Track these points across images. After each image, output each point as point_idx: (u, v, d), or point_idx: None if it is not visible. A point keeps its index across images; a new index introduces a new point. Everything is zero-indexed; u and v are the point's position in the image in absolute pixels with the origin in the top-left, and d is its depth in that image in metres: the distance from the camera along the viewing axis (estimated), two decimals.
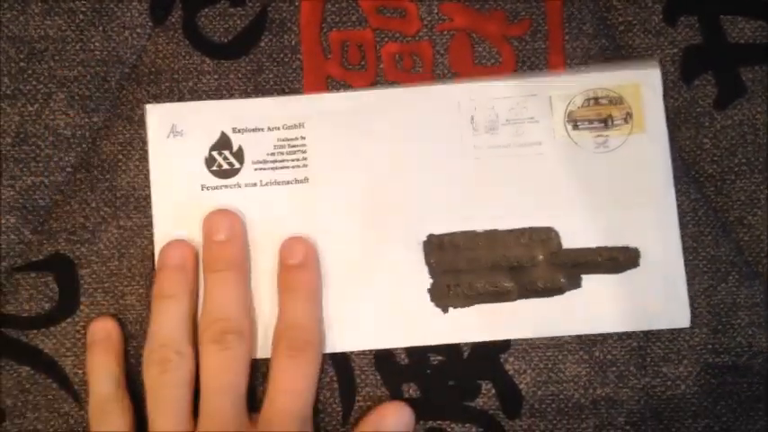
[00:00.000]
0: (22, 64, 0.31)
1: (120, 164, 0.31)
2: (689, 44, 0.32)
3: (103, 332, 0.29)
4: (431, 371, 0.30)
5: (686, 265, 0.31)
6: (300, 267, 0.29)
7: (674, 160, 0.31)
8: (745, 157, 0.31)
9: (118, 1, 0.32)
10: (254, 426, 0.28)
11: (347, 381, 0.30)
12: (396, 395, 0.30)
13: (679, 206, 0.31)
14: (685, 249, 0.31)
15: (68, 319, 0.30)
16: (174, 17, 0.32)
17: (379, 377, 0.30)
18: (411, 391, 0.30)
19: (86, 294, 0.30)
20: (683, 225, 0.31)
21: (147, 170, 0.31)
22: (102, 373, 0.29)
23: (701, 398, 0.30)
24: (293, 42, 0.32)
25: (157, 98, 0.31)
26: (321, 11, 0.32)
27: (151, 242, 0.30)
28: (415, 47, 0.32)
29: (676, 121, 0.31)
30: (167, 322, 0.28)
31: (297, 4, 0.32)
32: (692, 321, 0.30)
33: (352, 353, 0.30)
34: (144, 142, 0.31)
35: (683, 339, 0.30)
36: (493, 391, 0.30)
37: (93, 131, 0.31)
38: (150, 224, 0.31)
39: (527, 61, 0.32)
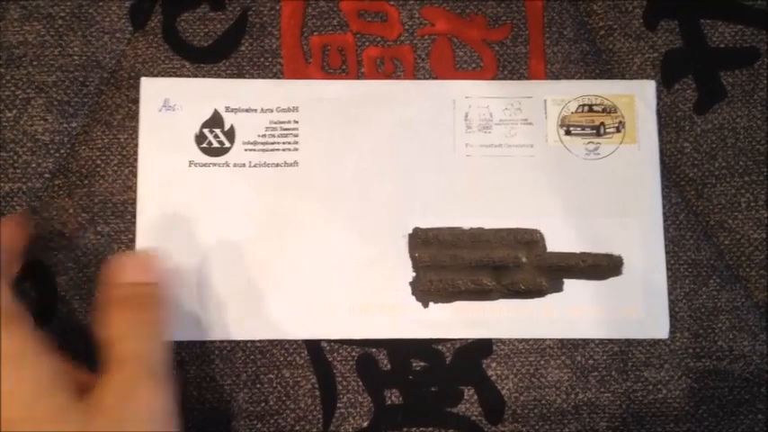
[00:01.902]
0: (0, 70, 0.31)
1: (98, 169, 0.31)
2: (669, 48, 0.32)
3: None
4: (413, 377, 0.30)
5: (667, 269, 0.31)
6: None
7: None
8: (726, 160, 0.31)
9: (97, 6, 0.32)
10: None
11: (328, 387, 0.30)
12: (378, 401, 0.30)
13: None
14: (666, 253, 0.31)
15: (45, 327, 0.30)
16: (154, 21, 0.32)
17: (360, 383, 0.30)
18: (393, 398, 0.30)
19: (63, 302, 0.30)
20: (664, 229, 0.31)
21: (126, 175, 0.31)
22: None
23: (682, 402, 0.30)
24: (274, 46, 0.32)
25: (137, 103, 0.31)
26: (302, 15, 0.32)
27: (129, 248, 0.30)
28: (396, 51, 0.32)
29: (657, 125, 0.31)
30: None
31: (277, 7, 0.32)
32: (672, 326, 0.30)
33: (333, 358, 0.30)
34: (123, 147, 0.31)
35: (665, 344, 0.30)
36: (475, 396, 0.30)
37: (71, 137, 0.31)
38: (128, 230, 0.30)
39: (508, 65, 0.32)
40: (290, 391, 0.30)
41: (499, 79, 0.32)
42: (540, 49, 0.32)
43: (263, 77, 0.31)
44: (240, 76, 0.31)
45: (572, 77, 0.32)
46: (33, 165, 0.31)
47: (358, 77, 0.32)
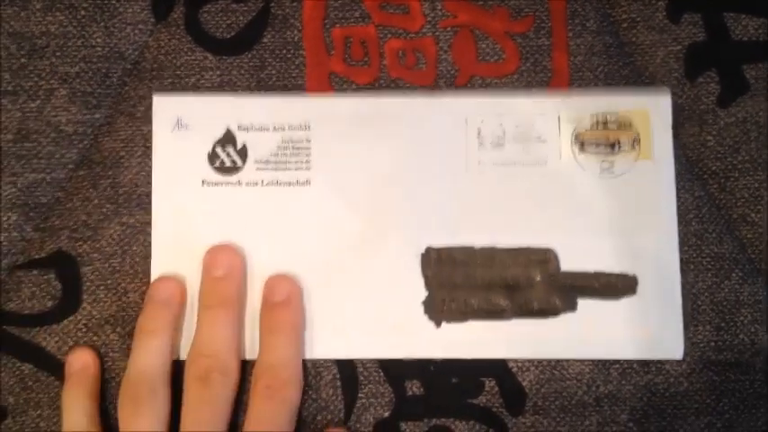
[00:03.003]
0: (23, 60, 0.31)
1: (122, 160, 0.31)
2: (692, 41, 0.32)
3: (80, 364, 0.29)
4: (434, 368, 0.30)
5: (690, 262, 0.31)
6: (283, 306, 0.29)
7: (677, 158, 0.31)
8: (749, 154, 0.31)
9: None
10: None
11: (350, 378, 0.30)
12: (399, 392, 0.30)
13: (683, 203, 0.31)
14: (689, 246, 0.31)
15: (71, 317, 0.30)
16: (177, 13, 0.32)
17: (382, 374, 0.30)
18: (414, 389, 0.30)
19: (89, 292, 0.30)
20: (686, 222, 0.31)
21: (150, 166, 0.31)
22: (75, 408, 0.28)
23: (703, 395, 0.30)
24: (296, 38, 0.32)
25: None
26: (324, 7, 0.32)
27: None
28: (418, 43, 0.32)
29: (680, 118, 0.31)
30: (144, 358, 0.28)
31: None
32: (695, 319, 0.30)
33: None
34: (146, 138, 0.31)
35: (686, 337, 0.30)
36: (496, 388, 0.30)
37: (95, 128, 0.31)
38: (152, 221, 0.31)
39: (530, 58, 0.32)
40: (311, 381, 0.30)
41: (521, 72, 0.31)
42: (563, 41, 0.32)
43: (286, 69, 0.31)
44: (263, 68, 0.31)
45: (595, 70, 0.31)
46: (57, 155, 0.31)
47: (380, 70, 0.31)
